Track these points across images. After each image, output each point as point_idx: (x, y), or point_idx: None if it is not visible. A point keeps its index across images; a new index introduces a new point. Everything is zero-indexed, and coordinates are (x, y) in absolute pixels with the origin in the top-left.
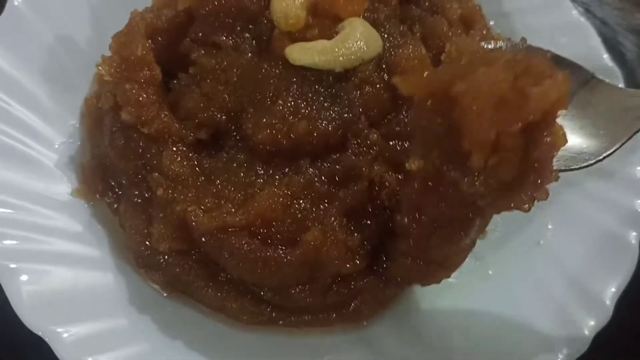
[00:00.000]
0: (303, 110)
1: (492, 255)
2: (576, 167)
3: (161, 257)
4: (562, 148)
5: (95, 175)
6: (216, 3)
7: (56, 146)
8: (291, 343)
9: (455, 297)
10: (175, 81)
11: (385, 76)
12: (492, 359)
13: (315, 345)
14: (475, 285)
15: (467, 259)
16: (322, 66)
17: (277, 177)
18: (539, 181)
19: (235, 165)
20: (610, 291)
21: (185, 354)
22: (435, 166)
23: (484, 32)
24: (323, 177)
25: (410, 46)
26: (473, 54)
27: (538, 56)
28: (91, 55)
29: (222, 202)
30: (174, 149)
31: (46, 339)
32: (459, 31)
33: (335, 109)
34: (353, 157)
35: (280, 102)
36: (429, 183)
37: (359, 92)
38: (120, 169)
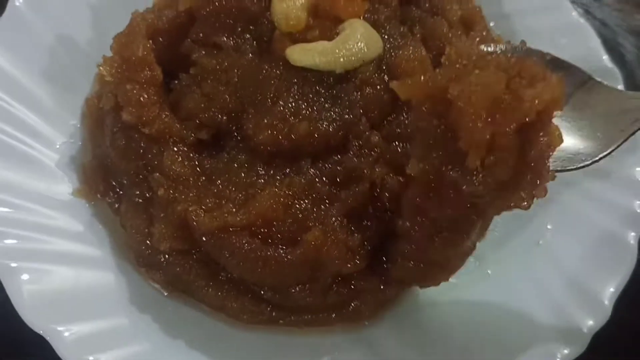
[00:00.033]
0: (304, 111)
1: (492, 255)
2: (573, 167)
3: (162, 256)
4: (559, 149)
5: (96, 175)
6: (217, 4)
7: (57, 146)
8: (291, 342)
9: (455, 297)
10: (176, 81)
11: (386, 77)
12: (492, 358)
13: (315, 345)
14: (475, 285)
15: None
16: (322, 67)
17: (278, 177)
18: (536, 180)
19: (236, 165)
20: (609, 291)
21: (185, 353)
22: (435, 167)
23: (484, 33)
24: (324, 178)
25: (411, 47)
26: (469, 57)
27: (531, 59)
28: (92, 56)
29: (223, 202)
30: (175, 149)
31: (47, 338)
32: (459, 32)
33: (336, 110)
34: (354, 159)
35: (281, 102)
36: (430, 185)
37: (359, 93)
38: (121, 169)
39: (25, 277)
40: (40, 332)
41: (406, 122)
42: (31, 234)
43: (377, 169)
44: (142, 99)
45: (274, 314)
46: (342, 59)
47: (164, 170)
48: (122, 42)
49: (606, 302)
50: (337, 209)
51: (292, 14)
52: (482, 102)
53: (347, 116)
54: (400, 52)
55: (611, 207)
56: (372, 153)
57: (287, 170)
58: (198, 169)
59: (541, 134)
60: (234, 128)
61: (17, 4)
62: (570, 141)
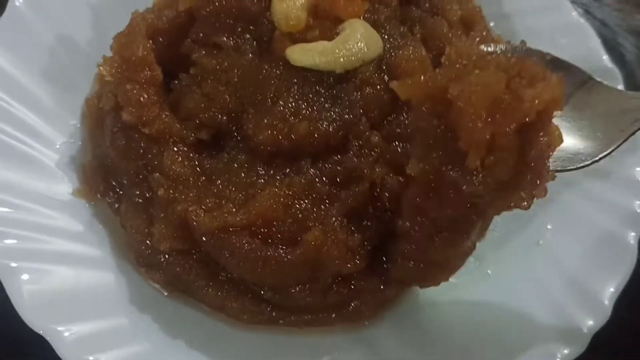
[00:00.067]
0: (304, 111)
1: (492, 255)
2: (572, 167)
3: (162, 256)
4: (559, 149)
5: (96, 175)
6: (217, 4)
7: (57, 146)
8: (291, 342)
9: (455, 297)
10: (176, 82)
11: (386, 77)
12: (492, 358)
13: (315, 345)
14: (475, 285)
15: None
16: (322, 67)
17: (278, 177)
18: (536, 180)
19: (236, 165)
20: (609, 291)
21: (185, 353)
22: (435, 167)
23: (484, 33)
24: (324, 178)
25: (411, 47)
26: (469, 57)
27: (531, 59)
28: (92, 56)
29: (223, 202)
30: (175, 149)
31: (47, 338)
32: (459, 32)
33: (336, 110)
34: (354, 159)
35: (281, 102)
36: (430, 185)
37: (359, 93)
38: (121, 169)
39: (25, 277)
40: (40, 332)
41: (406, 122)
42: (31, 234)
43: (377, 169)
44: (142, 99)
45: (274, 314)
46: (342, 59)
47: (164, 170)
48: (122, 42)
49: (606, 302)
50: (337, 209)
51: (292, 14)
52: (482, 102)
53: (347, 116)
54: (400, 52)
55: (611, 207)
56: (372, 153)
57: (287, 170)
58: (198, 169)
59: (541, 134)
60: (234, 128)
61: (17, 4)
62: (570, 141)
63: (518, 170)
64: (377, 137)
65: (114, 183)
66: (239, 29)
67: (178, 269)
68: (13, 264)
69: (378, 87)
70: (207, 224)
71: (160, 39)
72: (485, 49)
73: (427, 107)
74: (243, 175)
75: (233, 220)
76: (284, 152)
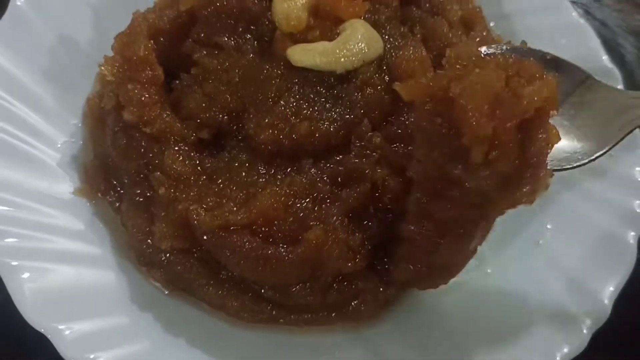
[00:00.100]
0: (305, 111)
1: (492, 255)
2: (569, 166)
3: (163, 255)
4: (557, 147)
5: (97, 175)
6: (218, 4)
7: (58, 145)
8: (291, 341)
9: (454, 296)
10: (177, 81)
11: (387, 78)
12: (492, 358)
13: (315, 344)
14: (475, 285)
15: None
16: (323, 67)
17: (279, 176)
18: (537, 175)
19: (237, 164)
20: (609, 290)
21: (186, 351)
22: (438, 166)
23: (484, 33)
24: (325, 178)
25: (411, 48)
26: (469, 58)
27: (529, 59)
28: (93, 55)
29: (224, 201)
30: (176, 148)
31: (48, 336)
32: (460, 33)
33: (337, 110)
34: (356, 160)
35: (282, 102)
36: (434, 185)
37: (360, 93)
38: (122, 168)
39: (26, 275)
40: (41, 331)
41: (407, 122)
42: (32, 233)
43: (378, 170)
44: (143, 98)
45: (274, 312)
46: (342, 59)
47: (165, 170)
48: (123, 41)
49: (606, 302)
50: (338, 209)
51: (293, 14)
52: (484, 99)
53: (347, 116)
54: (401, 52)
55: (611, 206)
56: (374, 154)
57: (288, 169)
58: (199, 168)
59: (540, 130)
60: (235, 128)
61: (19, 3)
62: (568, 140)
63: (519, 166)
64: (378, 138)
65: (114, 182)
66: (240, 29)
67: (179, 268)
68: (14, 263)
69: (379, 87)
70: (208, 223)
71: (162, 38)
72: (485, 51)
73: (429, 107)
74: (244, 174)
75: (234, 219)
76: (285, 152)
